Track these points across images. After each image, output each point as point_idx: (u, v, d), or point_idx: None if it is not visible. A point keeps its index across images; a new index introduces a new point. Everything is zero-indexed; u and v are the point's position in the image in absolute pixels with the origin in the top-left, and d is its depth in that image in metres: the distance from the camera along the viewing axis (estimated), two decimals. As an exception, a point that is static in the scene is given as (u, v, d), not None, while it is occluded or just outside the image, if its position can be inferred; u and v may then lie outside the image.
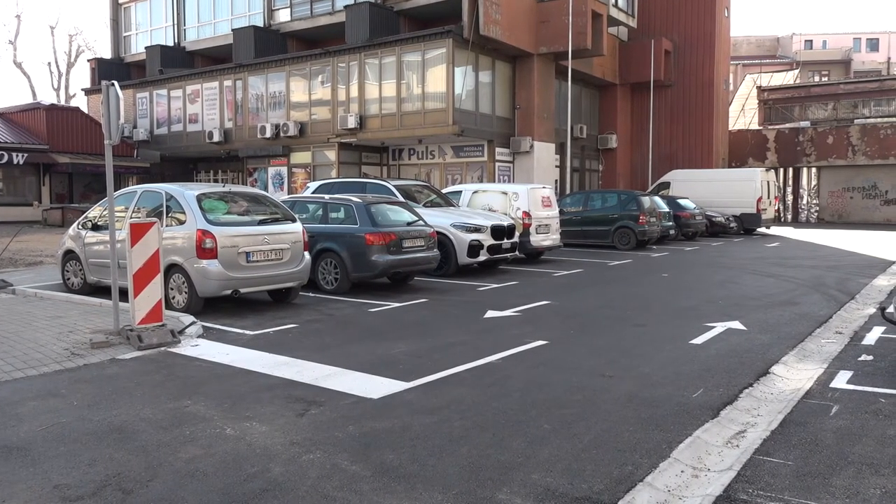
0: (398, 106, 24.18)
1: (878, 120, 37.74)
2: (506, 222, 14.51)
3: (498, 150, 25.15)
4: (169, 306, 9.07)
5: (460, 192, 17.03)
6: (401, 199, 13.74)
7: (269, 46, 28.17)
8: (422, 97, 23.83)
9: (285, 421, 5.13)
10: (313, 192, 15.39)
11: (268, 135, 26.65)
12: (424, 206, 14.67)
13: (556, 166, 27.51)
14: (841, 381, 6.26)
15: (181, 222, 9.50)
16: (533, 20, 25.15)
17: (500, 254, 14.23)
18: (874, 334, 8.30)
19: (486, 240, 13.82)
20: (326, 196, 12.74)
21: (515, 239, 14.76)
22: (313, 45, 28.46)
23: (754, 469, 4.25)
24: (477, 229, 13.78)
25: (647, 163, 32.42)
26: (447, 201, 15.74)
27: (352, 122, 24.43)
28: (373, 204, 11.94)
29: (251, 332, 8.33)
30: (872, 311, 9.86)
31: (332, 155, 26.03)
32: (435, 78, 23.52)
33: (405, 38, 24.24)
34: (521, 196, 16.08)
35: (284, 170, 27.77)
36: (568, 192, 26.04)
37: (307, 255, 10.35)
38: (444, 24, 23.56)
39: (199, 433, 4.87)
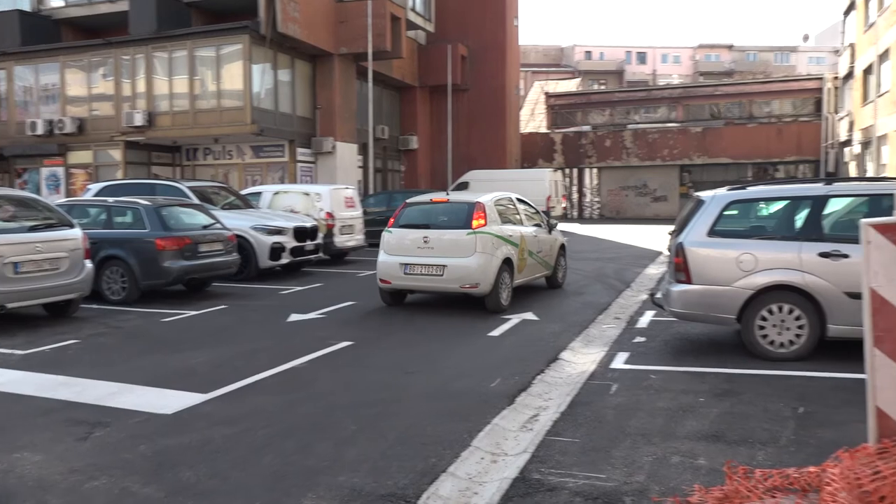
0: (191, 103, 22.90)
1: (647, 125, 42.11)
2: (308, 224, 14.29)
3: (299, 150, 24.71)
4: (-83, 327, 7.89)
5: (260, 193, 16.55)
6: (195, 201, 13.06)
7: (38, 33, 25.36)
8: (217, 94, 22.76)
9: (64, 447, 4.66)
10: (95, 195, 14.14)
11: (39, 131, 24.01)
12: (222, 208, 14.05)
13: (359, 167, 27.60)
14: (619, 361, 6.90)
15: (-70, 230, 8.36)
16: (332, 20, 24.99)
17: (303, 256, 14.00)
18: (646, 318, 9.24)
19: (289, 242, 13.53)
20: (110, 199, 11.77)
21: (319, 240, 14.59)
22: (93, 34, 26.06)
23: (546, 449, 4.55)
24: (279, 231, 13.44)
25: (446, 163, 33.52)
26: (246, 203, 15.21)
27: (139, 120, 22.75)
28: (164, 207, 11.21)
29: (22, 352, 7.46)
30: (645, 297, 10.96)
31: (117, 154, 24.04)
32: (231, 75, 22.57)
33: (197, 32, 23.00)
34: (323, 197, 15.93)
35: (61, 170, 25.19)
36: (371, 192, 26.24)
37: (89, 264, 9.48)
38: (240, 20, 22.65)
39: (-43, 470, 4.27)
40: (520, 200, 11.37)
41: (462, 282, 9.34)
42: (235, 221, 13.01)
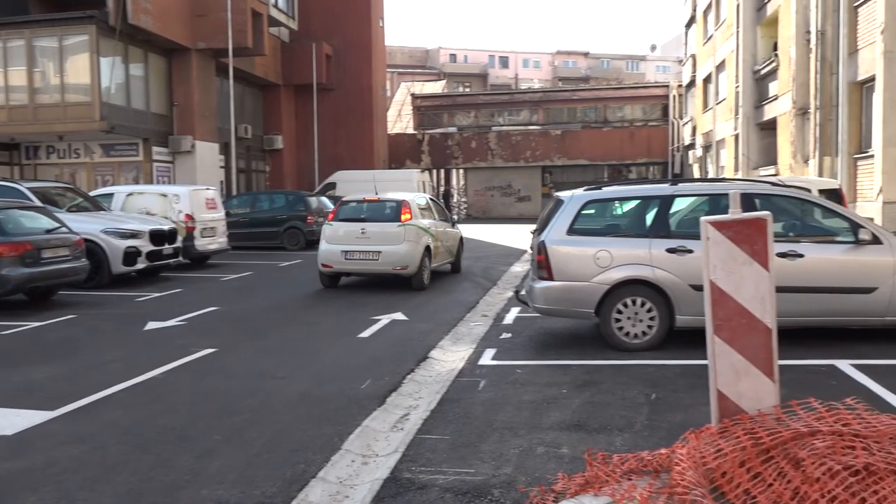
0: (31, 97, 21.15)
1: (511, 128, 43.45)
2: (166, 226, 13.61)
3: (156, 149, 23.46)
4: None
5: (112, 194, 15.58)
6: (37, 203, 12.09)
7: None
8: (61, 88, 21.16)
9: None
10: (-83, 197, 12.75)
11: None
12: (68, 210, 13.11)
13: (221, 167, 26.60)
14: (487, 358, 7.06)
15: None
16: (188, 13, 23.89)
17: (161, 260, 13.32)
18: (512, 314, 9.52)
19: (145, 246, 12.81)
20: (-64, 201, 10.64)
21: (178, 243, 13.92)
22: (-89, 18, 23.49)
23: (417, 448, 4.57)
24: (133, 235, 12.70)
25: (313, 164, 32.98)
26: (96, 205, 14.26)
27: (-31, 114, 20.75)
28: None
29: None
30: (510, 294, 11.27)
31: (-57, 152, 21.83)
32: (76, 68, 21.05)
33: (36, 21, 21.28)
34: (182, 198, 15.23)
35: None
36: (234, 193, 25.35)
37: (-90, 274, 8.53)
38: (86, 9, 21.17)
39: None
40: (432, 200, 13.81)
41: (394, 265, 11.48)
42: (84, 225, 12.17)
